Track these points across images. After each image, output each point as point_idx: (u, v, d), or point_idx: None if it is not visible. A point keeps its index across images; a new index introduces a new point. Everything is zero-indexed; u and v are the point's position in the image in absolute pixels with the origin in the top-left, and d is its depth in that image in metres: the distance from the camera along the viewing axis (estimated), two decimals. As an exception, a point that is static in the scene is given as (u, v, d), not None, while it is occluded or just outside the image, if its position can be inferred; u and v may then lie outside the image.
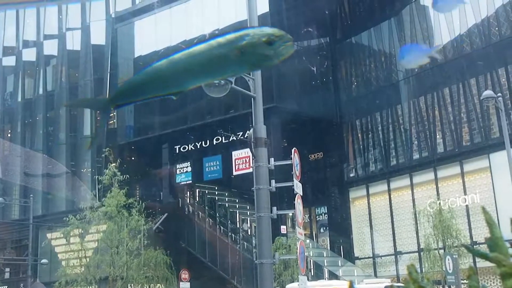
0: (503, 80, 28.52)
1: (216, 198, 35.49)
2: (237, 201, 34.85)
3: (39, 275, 38.10)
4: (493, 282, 25.58)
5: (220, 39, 2.14)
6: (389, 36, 33.53)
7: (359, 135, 34.76)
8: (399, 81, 32.75)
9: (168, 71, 2.25)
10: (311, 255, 31.51)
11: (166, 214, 34.98)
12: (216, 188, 35.69)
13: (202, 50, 2.16)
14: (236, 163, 32.96)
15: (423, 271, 24.77)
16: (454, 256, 18.95)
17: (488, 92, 22.09)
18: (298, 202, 12.57)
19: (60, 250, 36.88)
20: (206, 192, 35.86)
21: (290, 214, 27.19)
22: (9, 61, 46.80)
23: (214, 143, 34.80)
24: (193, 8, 36.52)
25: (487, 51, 28.67)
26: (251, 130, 11.73)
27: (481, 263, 21.20)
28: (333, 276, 29.84)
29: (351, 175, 34.75)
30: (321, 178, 35.27)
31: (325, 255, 33.55)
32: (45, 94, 43.80)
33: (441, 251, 23.98)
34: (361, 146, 34.46)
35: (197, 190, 36.36)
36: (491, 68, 28.48)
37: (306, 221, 34.05)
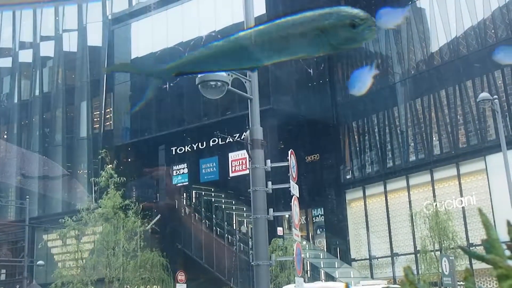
0: (499, 82, 28.58)
1: (213, 200, 35.46)
2: (233, 202, 34.81)
3: (35, 276, 38.03)
4: (490, 284, 25.63)
5: (302, 17, 2.07)
6: (385, 38, 33.57)
7: (356, 137, 34.77)
8: (395, 83, 32.77)
9: (241, 46, 2.19)
10: (308, 256, 31.51)
11: (159, 216, 34.88)
12: (212, 189, 35.64)
13: (281, 27, 2.09)
14: (233, 165, 32.93)
15: (420, 273, 24.78)
16: (451, 258, 18.93)
17: (485, 94, 22.13)
18: (295, 203, 12.54)
19: (56, 252, 36.80)
20: (203, 193, 35.82)
21: (287, 216, 27.23)
22: (6, 62, 46.79)
23: (211, 145, 34.75)
24: (189, 10, 36.51)
25: (483, 53, 28.70)
26: (248, 131, 11.70)
27: (478, 265, 21.21)
28: (329, 277, 29.86)
29: (348, 177, 34.75)
30: (317, 180, 35.24)
31: (321, 257, 33.55)
32: (42, 95, 43.76)
33: (438, 253, 23.97)
34: (358, 148, 34.47)
35: (193, 191, 36.30)
36: (488, 70, 28.53)
37: (302, 222, 34.03)
